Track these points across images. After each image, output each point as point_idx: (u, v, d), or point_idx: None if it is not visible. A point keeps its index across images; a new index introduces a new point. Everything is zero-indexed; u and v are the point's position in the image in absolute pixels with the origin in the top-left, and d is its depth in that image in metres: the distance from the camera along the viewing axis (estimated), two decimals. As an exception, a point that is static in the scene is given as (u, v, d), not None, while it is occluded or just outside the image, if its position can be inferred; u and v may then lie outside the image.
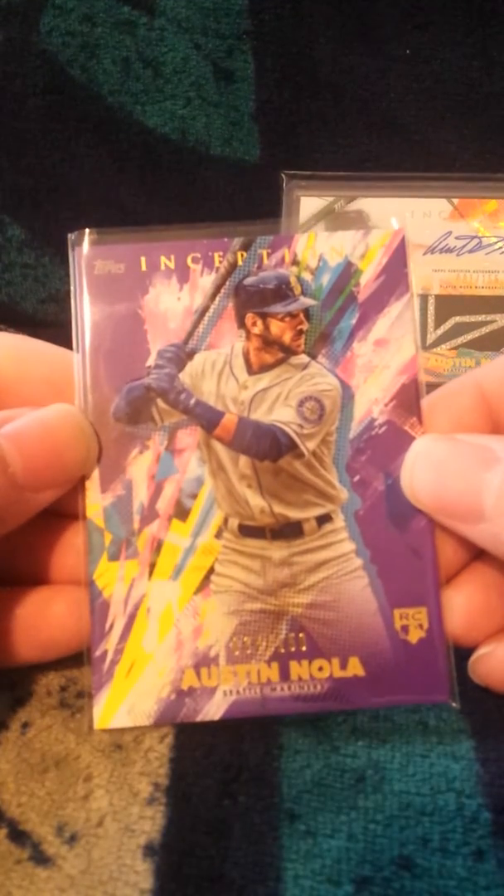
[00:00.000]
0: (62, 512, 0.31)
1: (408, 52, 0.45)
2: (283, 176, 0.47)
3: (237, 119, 0.47)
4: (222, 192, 0.48)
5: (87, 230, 0.32)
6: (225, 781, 0.29)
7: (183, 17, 0.45)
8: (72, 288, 0.32)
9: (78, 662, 0.31)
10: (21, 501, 0.29)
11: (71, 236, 0.32)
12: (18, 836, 0.28)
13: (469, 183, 0.47)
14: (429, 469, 0.30)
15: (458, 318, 0.47)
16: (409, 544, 0.31)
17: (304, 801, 0.29)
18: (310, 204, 0.47)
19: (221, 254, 0.32)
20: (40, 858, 0.28)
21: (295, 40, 0.45)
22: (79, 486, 0.31)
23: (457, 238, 0.47)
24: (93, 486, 0.31)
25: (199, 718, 0.30)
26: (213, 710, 0.30)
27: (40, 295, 0.52)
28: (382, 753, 0.30)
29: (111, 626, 0.31)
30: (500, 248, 0.47)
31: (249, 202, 0.48)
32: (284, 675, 0.30)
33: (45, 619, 0.31)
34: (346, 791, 0.29)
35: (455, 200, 0.47)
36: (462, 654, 0.31)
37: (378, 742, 0.31)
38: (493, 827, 0.27)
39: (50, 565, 0.32)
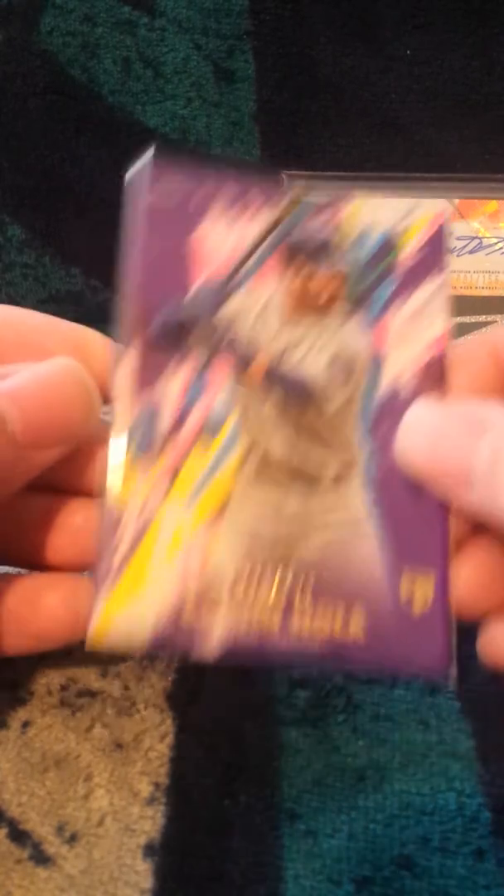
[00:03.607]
0: (59, 486, 0.30)
1: (408, 52, 0.45)
2: (284, 176, 0.47)
3: (238, 119, 0.47)
4: (222, 192, 0.48)
5: (151, 155, 0.32)
6: (225, 781, 0.29)
7: (183, 17, 0.45)
8: (124, 218, 0.32)
9: (79, 661, 0.31)
10: (21, 461, 0.28)
11: (130, 167, 0.32)
12: (18, 835, 0.28)
13: (469, 183, 0.47)
14: (420, 435, 0.29)
15: (458, 319, 0.47)
16: (422, 513, 0.31)
17: (305, 800, 0.29)
18: (310, 204, 0.47)
19: (271, 208, 0.33)
20: (40, 858, 0.28)
21: (295, 40, 0.45)
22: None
23: (457, 238, 0.47)
24: (117, 405, 0.31)
25: (194, 653, 0.29)
26: (209, 648, 0.29)
27: (40, 295, 0.52)
28: (382, 753, 0.30)
29: (117, 545, 0.30)
30: (501, 248, 0.47)
31: (250, 202, 0.48)
32: (285, 625, 0.30)
33: (36, 610, 0.29)
34: (347, 791, 0.29)
35: (455, 201, 0.47)
36: (462, 650, 0.31)
37: (378, 742, 0.31)
38: (493, 826, 0.27)
39: (44, 547, 0.31)
